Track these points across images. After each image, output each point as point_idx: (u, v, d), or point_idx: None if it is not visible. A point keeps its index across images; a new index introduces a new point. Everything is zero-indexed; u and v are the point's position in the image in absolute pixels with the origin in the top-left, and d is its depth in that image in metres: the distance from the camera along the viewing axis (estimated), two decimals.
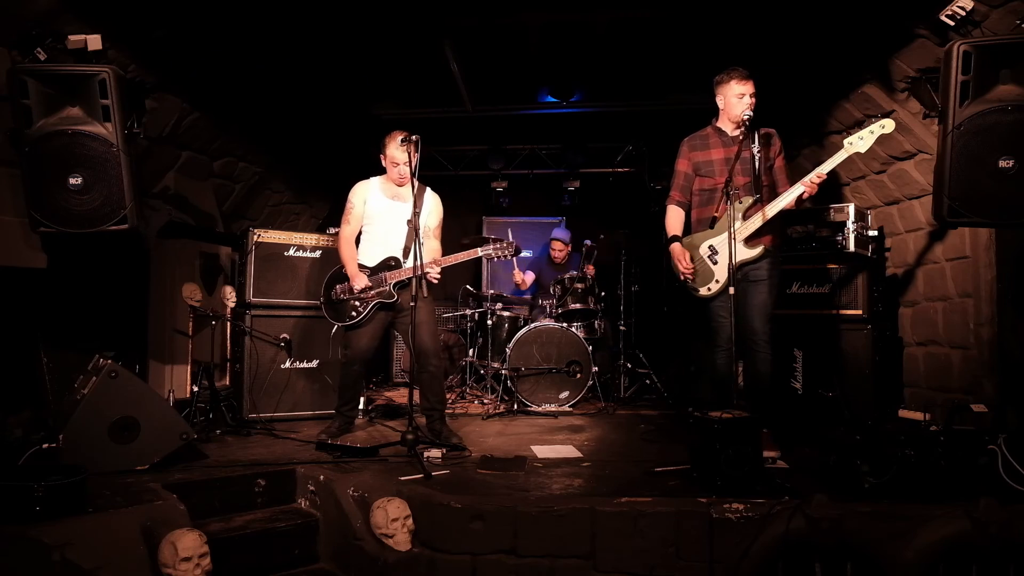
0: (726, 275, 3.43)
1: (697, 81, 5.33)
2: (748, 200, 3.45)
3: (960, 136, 3.09)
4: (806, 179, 3.38)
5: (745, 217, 3.46)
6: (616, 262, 6.12)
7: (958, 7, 3.30)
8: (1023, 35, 3.07)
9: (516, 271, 6.37)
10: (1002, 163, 3.02)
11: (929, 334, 4.59)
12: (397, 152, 3.81)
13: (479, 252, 3.85)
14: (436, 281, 3.71)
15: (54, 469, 2.60)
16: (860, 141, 3.33)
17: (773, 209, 3.42)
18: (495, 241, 3.92)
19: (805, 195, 3.42)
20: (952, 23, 3.37)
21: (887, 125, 3.29)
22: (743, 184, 3.49)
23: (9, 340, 3.64)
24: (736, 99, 3.53)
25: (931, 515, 2.51)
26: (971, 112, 3.07)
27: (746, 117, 3.37)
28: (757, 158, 3.33)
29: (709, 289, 3.60)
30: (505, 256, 3.87)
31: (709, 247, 3.61)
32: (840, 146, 3.41)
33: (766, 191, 3.50)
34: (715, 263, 3.59)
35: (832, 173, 5.22)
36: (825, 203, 4.75)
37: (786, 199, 3.43)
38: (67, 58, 3.39)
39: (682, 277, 3.69)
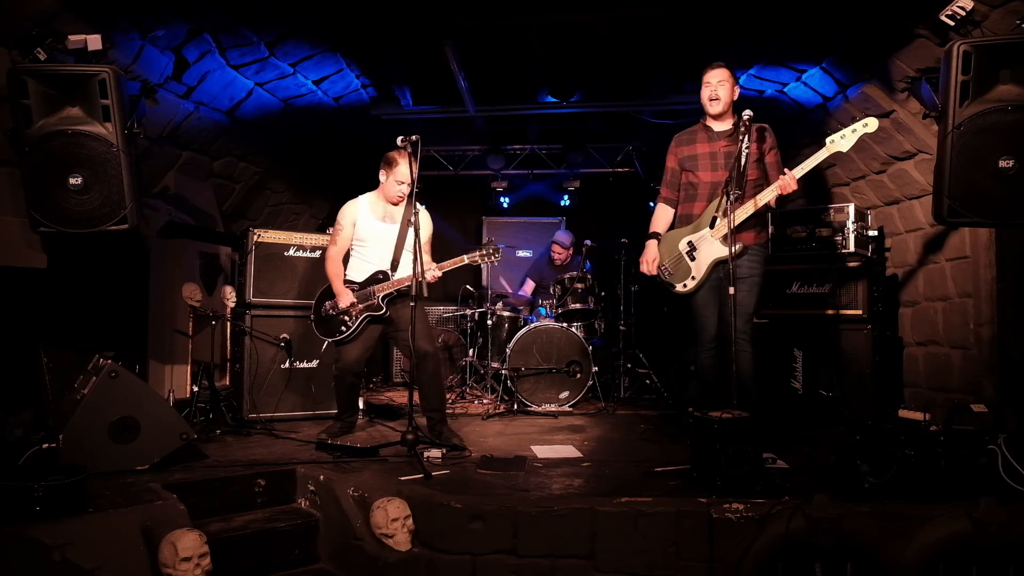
0: (703, 272, 3.53)
1: (697, 81, 5.38)
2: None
3: (960, 136, 3.09)
4: (780, 179, 3.33)
5: (723, 215, 3.38)
6: (616, 262, 6.12)
7: (958, 7, 3.30)
8: (1023, 35, 3.07)
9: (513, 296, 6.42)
10: (1002, 163, 3.02)
11: (929, 334, 4.59)
12: (406, 170, 3.76)
13: (465, 259, 3.83)
14: (434, 279, 3.70)
15: (54, 469, 2.61)
16: (842, 140, 3.27)
17: (746, 210, 3.42)
18: (483, 247, 3.86)
19: (785, 192, 3.34)
20: (952, 23, 3.37)
21: (870, 124, 3.24)
22: (724, 180, 3.40)
23: (9, 340, 3.64)
24: (703, 88, 3.62)
25: (931, 515, 2.51)
26: (971, 112, 3.07)
27: (746, 114, 3.30)
28: (745, 154, 3.28)
29: (685, 286, 3.62)
30: (492, 261, 3.86)
31: (688, 243, 3.61)
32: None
33: (751, 187, 3.47)
34: (692, 259, 3.59)
35: (832, 173, 5.30)
36: (825, 203, 4.75)
37: (764, 199, 3.40)
38: (67, 58, 3.39)
39: (644, 271, 3.74)
